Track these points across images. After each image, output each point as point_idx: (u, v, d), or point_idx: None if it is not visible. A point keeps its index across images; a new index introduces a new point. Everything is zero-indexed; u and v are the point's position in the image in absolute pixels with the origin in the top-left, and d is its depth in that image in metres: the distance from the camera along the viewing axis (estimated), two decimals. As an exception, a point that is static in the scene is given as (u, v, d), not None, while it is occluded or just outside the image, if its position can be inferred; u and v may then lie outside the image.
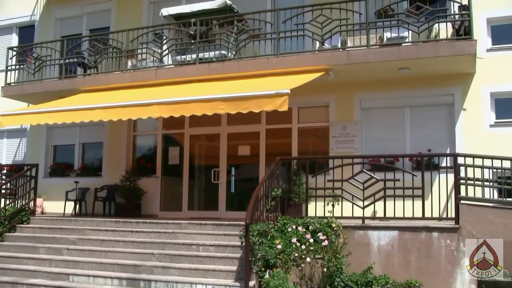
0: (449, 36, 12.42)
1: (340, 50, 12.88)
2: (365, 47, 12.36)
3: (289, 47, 13.24)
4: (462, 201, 10.52)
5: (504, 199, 11.10)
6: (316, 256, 10.23)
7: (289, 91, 10.70)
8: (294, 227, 10.58)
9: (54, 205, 16.15)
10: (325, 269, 10.10)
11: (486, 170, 10.84)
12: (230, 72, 13.36)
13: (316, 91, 13.25)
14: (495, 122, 12.98)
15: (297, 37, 13.21)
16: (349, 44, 13.02)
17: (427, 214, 10.67)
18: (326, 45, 13.06)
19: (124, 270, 10.78)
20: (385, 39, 12.83)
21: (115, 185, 15.66)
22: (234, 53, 13.99)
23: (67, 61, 16.25)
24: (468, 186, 10.76)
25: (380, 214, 11.13)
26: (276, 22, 13.25)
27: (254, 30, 13.73)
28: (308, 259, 10.11)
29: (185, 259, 10.79)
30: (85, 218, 13.48)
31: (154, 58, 14.81)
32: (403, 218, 10.72)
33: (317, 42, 13.15)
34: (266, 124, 14.65)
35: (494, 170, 10.91)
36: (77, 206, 15.77)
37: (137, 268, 10.72)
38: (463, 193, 10.69)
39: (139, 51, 15.02)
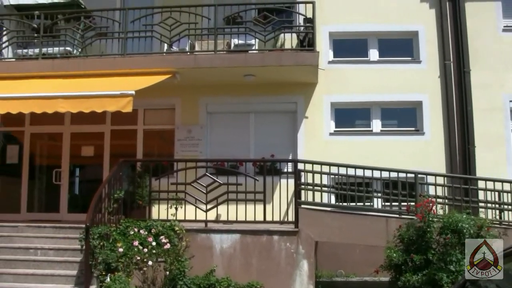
0: (294, 47, 12.93)
1: (188, 53, 12.96)
2: (212, 52, 12.52)
3: (137, 48, 13.00)
4: (301, 206, 10.99)
5: (340, 203, 11.72)
6: (159, 259, 10.17)
7: (134, 92, 10.62)
8: (136, 230, 10.43)
9: None
10: (167, 272, 10.08)
11: (324, 176, 11.43)
12: (75, 69, 12.76)
13: (163, 93, 13.15)
14: (334, 131, 13.70)
15: (145, 38, 13.03)
16: (197, 48, 13.15)
17: (269, 218, 10.94)
18: (174, 48, 13.08)
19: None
20: (232, 45, 13.09)
21: None
22: (80, 50, 13.44)
23: None
24: (308, 191, 11.27)
25: (223, 217, 11.33)
26: (124, 21, 13.02)
27: (102, 28, 13.40)
28: (150, 262, 10.02)
29: (21, 264, 10.23)
30: None
31: (-8, 50, 13.87)
32: (246, 222, 10.94)
33: (165, 44, 13.12)
34: (111, 124, 14.19)
35: (332, 176, 11.52)
36: None
37: (-35, 275, 9.97)
38: (303, 198, 11.18)
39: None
